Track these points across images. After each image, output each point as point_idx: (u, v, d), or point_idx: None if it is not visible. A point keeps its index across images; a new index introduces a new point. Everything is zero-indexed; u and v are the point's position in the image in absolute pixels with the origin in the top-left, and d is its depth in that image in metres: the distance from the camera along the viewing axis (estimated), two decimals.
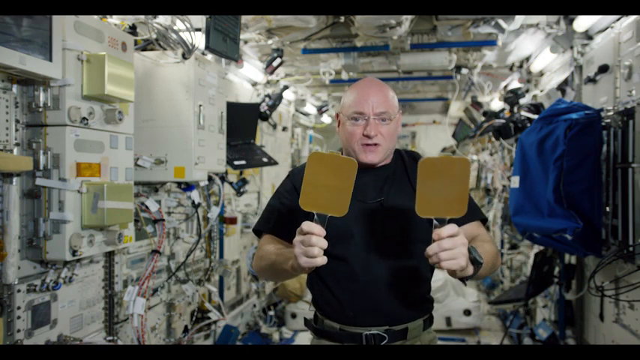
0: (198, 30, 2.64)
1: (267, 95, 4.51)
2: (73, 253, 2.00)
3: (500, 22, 3.30)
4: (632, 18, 2.65)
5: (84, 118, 2.03)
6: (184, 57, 2.70)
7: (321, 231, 1.30)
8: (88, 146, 2.08)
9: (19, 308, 1.97)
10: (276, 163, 4.12)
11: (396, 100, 1.64)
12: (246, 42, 3.82)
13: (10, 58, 1.68)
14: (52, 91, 1.96)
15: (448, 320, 4.84)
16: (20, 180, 1.97)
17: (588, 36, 3.32)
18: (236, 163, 3.57)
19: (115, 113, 2.18)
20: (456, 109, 7.09)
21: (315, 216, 1.33)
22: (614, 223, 2.64)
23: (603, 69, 2.93)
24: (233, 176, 4.10)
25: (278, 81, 5.06)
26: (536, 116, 3.46)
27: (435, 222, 1.29)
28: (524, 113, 3.73)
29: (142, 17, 2.51)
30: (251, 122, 4.14)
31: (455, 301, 4.91)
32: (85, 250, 2.06)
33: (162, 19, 2.58)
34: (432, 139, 8.70)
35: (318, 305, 1.70)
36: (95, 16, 2.18)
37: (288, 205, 1.66)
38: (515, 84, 4.69)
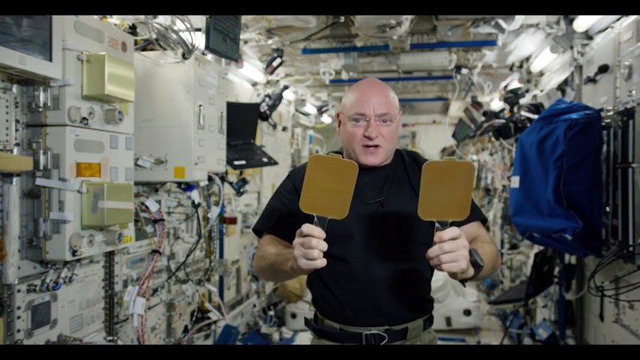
0: (198, 30, 2.64)
1: (267, 95, 4.51)
2: (73, 253, 2.00)
3: (500, 22, 3.30)
4: (632, 18, 2.65)
5: (84, 118, 2.03)
6: (184, 57, 2.70)
7: (321, 233, 1.30)
8: (88, 146, 2.08)
9: (19, 308, 1.97)
10: (276, 163, 4.12)
11: (396, 101, 1.64)
12: (246, 42, 3.82)
13: (10, 58, 1.68)
14: (52, 91, 1.96)
15: (448, 320, 4.84)
16: (20, 180, 1.97)
17: (588, 36, 3.32)
18: (236, 163, 3.57)
19: (115, 113, 2.18)
20: (456, 109, 7.09)
21: (315, 218, 1.33)
22: (614, 223, 2.64)
23: (603, 69, 2.93)
24: (233, 176, 4.10)
25: (278, 81, 5.06)
26: (536, 116, 3.46)
27: (436, 224, 1.30)
28: (524, 113, 3.73)
29: (142, 17, 2.51)
30: (251, 122, 4.14)
31: (455, 301, 4.91)
32: (85, 250, 2.06)
33: (162, 19, 2.58)
34: (432, 139, 8.70)
35: (318, 305, 1.70)
36: (95, 16, 2.18)
37: (289, 205, 1.66)
38: (515, 84, 4.69)
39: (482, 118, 5.30)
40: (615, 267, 2.68)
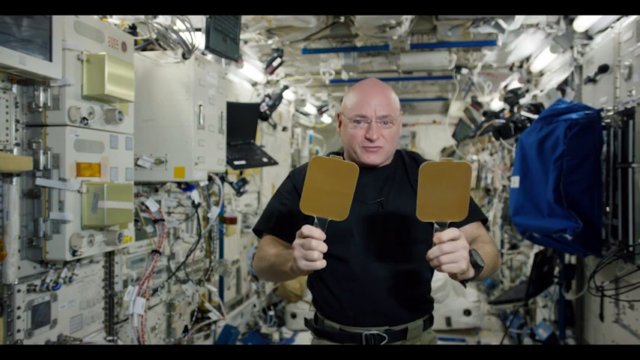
0: (198, 30, 2.64)
1: (267, 95, 4.51)
2: (73, 253, 2.00)
3: (500, 22, 3.30)
4: (632, 18, 2.65)
5: (84, 118, 2.03)
6: (184, 57, 2.70)
7: (321, 235, 1.30)
8: (88, 146, 2.08)
9: (19, 308, 1.97)
10: (276, 163, 4.13)
11: (397, 103, 1.64)
12: (246, 42, 3.82)
13: (10, 58, 1.68)
14: (52, 91, 1.96)
15: (448, 320, 4.84)
16: (20, 180, 1.97)
17: (588, 36, 3.32)
18: (236, 163, 3.57)
19: (115, 113, 2.18)
20: (456, 109, 7.09)
21: (316, 219, 1.33)
22: (614, 223, 2.64)
23: (603, 69, 2.93)
24: (233, 176, 4.10)
25: (278, 81, 5.06)
26: (536, 116, 3.46)
27: (435, 225, 1.30)
28: (524, 113, 3.73)
29: (142, 17, 2.51)
30: (251, 122, 4.14)
31: (455, 301, 4.91)
32: (85, 250, 2.06)
33: (162, 19, 2.58)
34: (432, 139, 8.70)
35: (319, 305, 1.70)
36: (95, 16, 2.18)
37: (289, 206, 1.66)
38: (515, 84, 4.69)
39: (482, 118, 5.30)
40: (615, 267, 2.68)
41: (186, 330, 3.19)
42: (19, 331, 1.97)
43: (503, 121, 3.94)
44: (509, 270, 5.40)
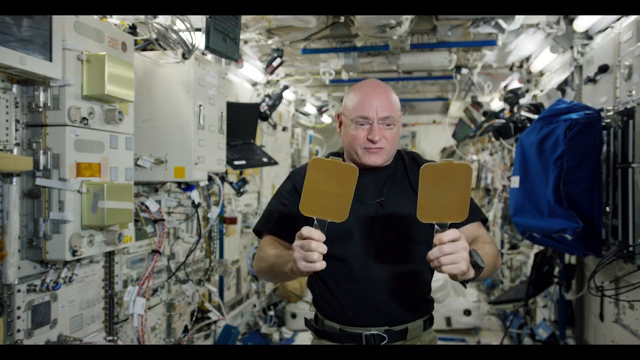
0: (198, 30, 2.64)
1: (267, 95, 4.51)
2: (73, 253, 2.00)
3: (500, 22, 3.30)
4: (632, 18, 2.65)
5: (84, 118, 2.03)
6: (184, 57, 2.70)
7: (321, 236, 1.30)
8: (88, 146, 2.08)
9: (19, 308, 1.97)
10: (276, 163, 4.13)
11: (398, 103, 1.64)
12: (246, 42, 3.82)
13: (10, 58, 1.68)
14: (52, 91, 1.96)
15: (448, 320, 4.84)
16: (20, 180, 1.97)
17: (588, 36, 3.32)
18: (236, 163, 3.57)
19: (115, 113, 2.18)
20: (456, 109, 7.09)
21: (315, 221, 1.33)
22: (614, 223, 2.64)
23: (603, 69, 2.93)
24: (233, 176, 4.10)
25: (278, 81, 5.06)
26: (536, 116, 3.46)
27: (436, 226, 1.30)
28: (524, 113, 3.73)
29: (142, 17, 2.51)
30: (251, 122, 4.14)
31: (455, 301, 4.91)
32: (85, 250, 2.06)
33: (162, 19, 2.58)
34: (432, 139, 8.70)
35: (319, 305, 1.70)
36: (95, 16, 2.18)
37: (289, 206, 1.66)
38: (515, 84, 4.69)
39: (482, 118, 5.30)
40: (615, 267, 2.68)
41: (186, 330, 3.19)
42: (19, 331, 1.97)
43: (503, 121, 3.94)
44: (509, 270, 5.40)
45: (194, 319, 3.24)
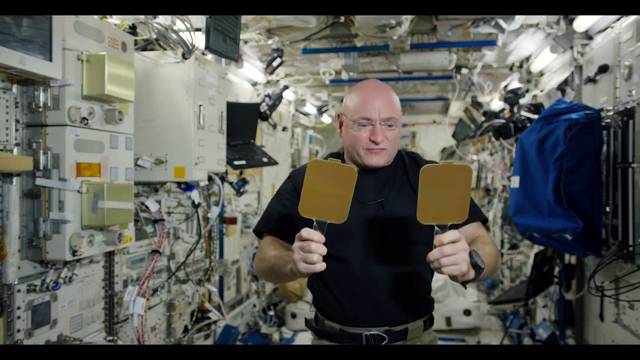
0: (198, 30, 2.64)
1: (267, 95, 4.51)
2: (73, 253, 2.00)
3: (500, 22, 3.30)
4: (632, 18, 2.65)
5: (84, 118, 2.03)
6: (184, 57, 2.70)
7: (321, 237, 1.30)
8: (88, 146, 2.08)
9: (19, 308, 1.97)
10: (276, 163, 4.13)
11: (399, 104, 1.64)
12: (246, 42, 3.82)
13: (10, 58, 1.68)
14: (52, 91, 1.96)
15: (448, 320, 4.84)
16: (20, 180, 1.97)
17: (588, 36, 3.32)
18: (236, 163, 3.57)
19: (115, 113, 2.18)
20: (456, 109, 7.09)
21: (315, 222, 1.33)
22: (614, 223, 2.64)
23: (603, 69, 2.93)
24: (233, 176, 4.10)
25: (278, 81, 5.06)
26: (536, 116, 3.46)
27: (436, 228, 1.30)
28: (524, 113, 3.73)
29: (142, 17, 2.51)
30: (251, 122, 4.14)
31: (455, 301, 4.91)
32: (85, 250, 2.06)
33: (162, 19, 2.58)
34: (432, 139, 8.70)
35: (319, 306, 1.70)
36: (95, 16, 2.18)
37: (289, 207, 1.66)
38: (515, 84, 4.69)
39: (482, 118, 5.30)
40: (615, 267, 2.68)
41: (186, 330, 3.19)
42: (19, 331, 1.97)
43: (503, 121, 3.94)
44: (509, 270, 5.40)
45: (194, 319, 3.24)
